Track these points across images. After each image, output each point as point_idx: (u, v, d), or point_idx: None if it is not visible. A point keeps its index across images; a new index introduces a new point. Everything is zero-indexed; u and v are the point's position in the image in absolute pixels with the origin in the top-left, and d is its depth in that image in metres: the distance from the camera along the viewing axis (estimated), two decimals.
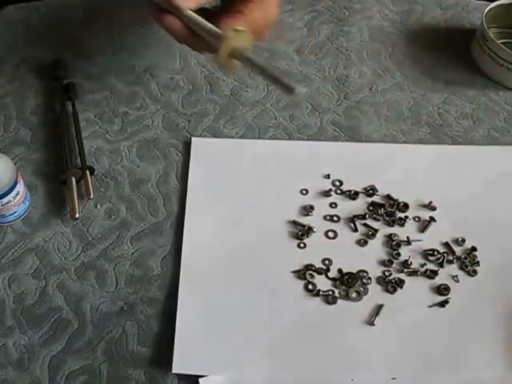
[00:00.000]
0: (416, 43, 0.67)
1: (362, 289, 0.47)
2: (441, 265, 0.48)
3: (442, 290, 0.47)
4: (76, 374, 0.43)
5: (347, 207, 0.52)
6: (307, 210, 0.51)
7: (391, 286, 0.47)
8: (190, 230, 0.50)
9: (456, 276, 0.48)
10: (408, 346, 0.44)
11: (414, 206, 0.52)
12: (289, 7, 0.70)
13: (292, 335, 0.45)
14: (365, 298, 0.46)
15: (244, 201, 0.52)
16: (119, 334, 0.45)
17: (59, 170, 0.54)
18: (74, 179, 0.52)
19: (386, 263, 0.48)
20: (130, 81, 0.62)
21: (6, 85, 0.62)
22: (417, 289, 0.47)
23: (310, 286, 0.47)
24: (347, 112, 0.60)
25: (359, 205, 0.52)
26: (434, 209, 0.51)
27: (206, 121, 0.59)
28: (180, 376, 0.43)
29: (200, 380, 0.42)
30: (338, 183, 0.53)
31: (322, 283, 0.47)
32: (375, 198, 0.52)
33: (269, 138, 0.57)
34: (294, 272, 0.48)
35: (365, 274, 0.48)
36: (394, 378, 0.42)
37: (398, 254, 0.49)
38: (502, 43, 0.61)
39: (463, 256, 0.49)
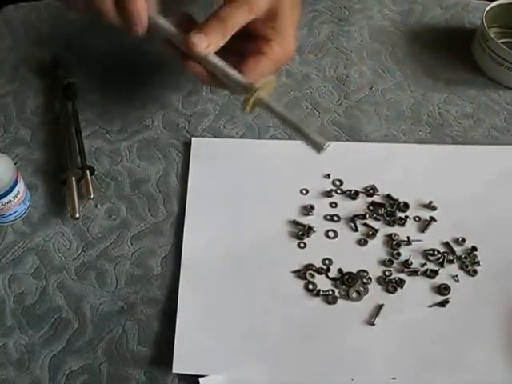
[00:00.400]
0: (416, 43, 0.67)
1: (362, 289, 0.47)
2: (441, 265, 0.48)
3: (443, 289, 0.47)
4: (76, 374, 0.43)
5: (347, 207, 0.52)
6: (307, 209, 0.51)
7: (391, 285, 0.47)
8: (190, 229, 0.50)
9: (456, 276, 0.48)
10: (408, 346, 0.44)
11: (415, 206, 0.52)
12: None
13: (292, 335, 0.45)
14: (365, 297, 0.46)
15: (244, 201, 0.52)
16: (119, 333, 0.45)
17: (59, 170, 0.54)
18: (74, 179, 0.52)
19: (386, 263, 0.48)
20: (130, 81, 0.62)
21: (5, 85, 0.62)
22: (417, 289, 0.47)
23: (310, 286, 0.47)
24: (347, 112, 0.60)
25: (359, 204, 0.52)
26: (434, 208, 0.51)
27: (206, 121, 0.59)
28: (180, 376, 0.43)
29: (200, 380, 0.42)
30: (338, 183, 0.53)
31: (322, 283, 0.47)
32: (375, 198, 0.52)
33: (269, 138, 0.57)
34: (294, 272, 0.48)
35: (365, 274, 0.48)
36: (394, 378, 0.42)
37: (399, 254, 0.49)
38: (502, 43, 0.61)
39: (463, 256, 0.48)
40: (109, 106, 0.60)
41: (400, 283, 0.47)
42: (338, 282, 0.47)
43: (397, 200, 0.52)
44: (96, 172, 0.54)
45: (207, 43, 0.45)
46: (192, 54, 0.46)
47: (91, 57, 0.65)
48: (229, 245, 0.49)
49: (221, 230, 0.50)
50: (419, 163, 0.55)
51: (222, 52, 0.46)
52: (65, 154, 0.55)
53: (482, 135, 0.58)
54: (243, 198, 0.52)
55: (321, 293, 0.46)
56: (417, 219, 0.51)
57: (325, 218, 0.51)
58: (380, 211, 0.51)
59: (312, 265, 0.48)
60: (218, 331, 0.45)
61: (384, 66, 0.64)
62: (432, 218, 0.51)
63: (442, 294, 0.47)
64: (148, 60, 0.64)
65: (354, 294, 0.47)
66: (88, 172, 0.53)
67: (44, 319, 0.46)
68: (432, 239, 0.50)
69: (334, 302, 0.46)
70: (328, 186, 0.53)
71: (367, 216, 0.51)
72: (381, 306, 0.46)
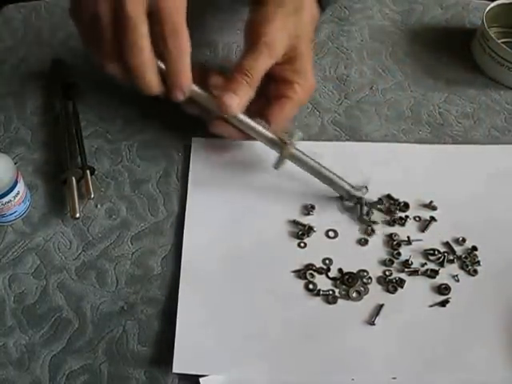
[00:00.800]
0: (416, 43, 0.67)
1: (362, 288, 0.47)
2: (441, 264, 0.48)
3: (443, 289, 0.47)
4: (76, 374, 0.43)
5: None
6: (308, 209, 0.51)
7: (392, 285, 0.47)
8: (191, 229, 0.50)
9: (456, 276, 0.48)
10: (409, 346, 0.44)
11: (415, 206, 0.52)
12: None
13: (292, 335, 0.45)
14: (365, 297, 0.46)
15: (244, 200, 0.52)
16: (120, 333, 0.45)
17: (59, 170, 0.54)
18: (74, 179, 0.52)
19: (386, 263, 0.48)
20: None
21: (5, 85, 0.62)
22: (417, 288, 0.47)
23: (311, 286, 0.47)
24: (348, 111, 0.60)
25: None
26: (434, 208, 0.51)
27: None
28: (180, 376, 0.43)
29: (200, 380, 0.42)
30: None
31: (323, 283, 0.47)
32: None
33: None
34: (294, 272, 0.48)
35: (365, 274, 0.48)
36: (394, 378, 0.42)
37: (399, 254, 0.49)
38: (502, 43, 0.61)
39: (464, 256, 0.48)
40: (109, 105, 0.60)
41: (400, 283, 0.47)
42: (339, 282, 0.47)
43: (397, 200, 0.52)
44: (96, 172, 0.54)
45: (238, 101, 0.47)
46: (225, 116, 0.48)
47: (91, 57, 0.65)
48: (229, 244, 0.49)
49: (221, 229, 0.50)
50: (419, 163, 0.55)
51: None
52: (65, 154, 0.55)
53: (482, 135, 0.58)
54: (243, 198, 0.52)
55: (321, 292, 0.46)
56: (417, 219, 0.51)
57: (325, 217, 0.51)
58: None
59: (312, 264, 0.48)
60: (219, 331, 0.45)
61: (384, 65, 0.64)
62: (432, 218, 0.51)
63: (443, 294, 0.46)
64: None
65: (355, 294, 0.47)
66: (88, 172, 0.53)
67: (44, 319, 0.46)
68: (432, 239, 0.50)
69: (335, 302, 0.46)
70: None
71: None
72: (381, 306, 0.46)
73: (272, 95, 0.50)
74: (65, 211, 0.52)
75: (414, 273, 0.48)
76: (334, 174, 0.48)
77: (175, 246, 0.50)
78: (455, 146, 0.56)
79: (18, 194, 0.49)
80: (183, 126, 0.58)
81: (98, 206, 0.52)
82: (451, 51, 0.65)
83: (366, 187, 0.48)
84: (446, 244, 0.49)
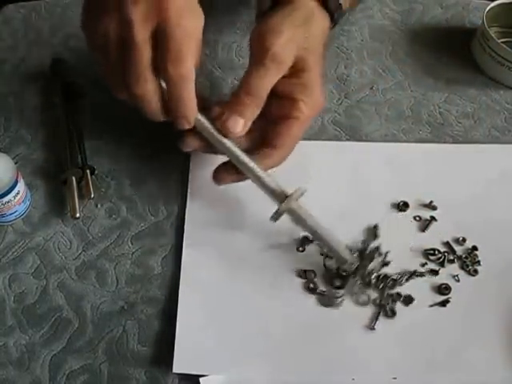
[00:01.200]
0: (417, 42, 0.67)
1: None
2: (442, 264, 0.48)
3: (443, 289, 0.46)
4: (77, 374, 0.43)
5: None
6: None
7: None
8: (191, 229, 0.50)
9: (457, 275, 0.47)
10: (409, 346, 0.44)
11: (415, 206, 0.52)
12: None
13: (293, 335, 0.45)
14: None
15: (244, 200, 0.52)
16: (120, 333, 0.45)
17: (60, 170, 0.54)
18: (74, 179, 0.52)
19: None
20: None
21: (6, 85, 0.62)
22: (417, 288, 0.47)
23: (311, 285, 0.47)
24: (348, 111, 0.60)
25: None
26: (434, 208, 0.51)
27: None
28: (181, 376, 0.43)
29: (201, 380, 0.42)
30: None
31: (323, 283, 0.47)
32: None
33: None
34: (294, 271, 0.48)
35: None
36: (394, 378, 0.42)
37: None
38: (502, 42, 0.61)
39: (464, 255, 0.48)
40: (109, 105, 0.60)
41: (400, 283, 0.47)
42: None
43: (397, 200, 0.52)
44: (96, 172, 0.54)
45: (243, 123, 0.44)
46: (224, 154, 0.45)
47: (91, 57, 0.65)
48: (229, 244, 0.49)
49: (221, 229, 0.50)
50: (419, 163, 0.55)
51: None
52: (65, 154, 0.55)
53: (482, 135, 0.58)
54: (244, 198, 0.52)
55: (320, 292, 0.46)
56: (417, 219, 0.51)
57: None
58: None
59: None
60: (219, 331, 0.45)
61: (384, 65, 0.64)
62: (432, 218, 0.51)
63: (443, 294, 0.46)
64: None
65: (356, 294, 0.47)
66: (88, 172, 0.53)
67: (44, 319, 0.46)
68: (432, 239, 0.49)
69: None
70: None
71: None
72: (379, 312, 0.45)
73: (276, 115, 0.46)
74: (65, 211, 0.52)
75: (414, 273, 0.48)
76: (330, 238, 0.45)
77: (175, 245, 0.50)
78: (455, 146, 0.56)
79: (18, 193, 0.49)
80: None
81: (98, 205, 0.52)
82: (451, 51, 0.65)
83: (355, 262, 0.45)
84: (447, 244, 0.49)
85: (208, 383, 0.42)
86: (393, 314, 0.45)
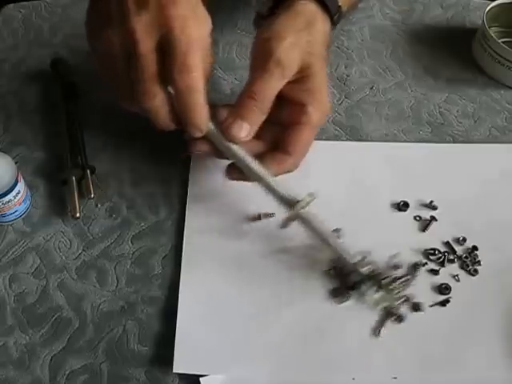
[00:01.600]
0: (417, 42, 0.67)
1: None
2: (442, 264, 0.48)
3: (443, 289, 0.46)
4: (77, 374, 0.43)
5: None
6: None
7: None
8: (191, 228, 0.50)
9: (457, 275, 0.47)
10: (409, 346, 0.44)
11: (415, 206, 0.52)
12: None
13: (293, 334, 0.45)
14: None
15: (245, 200, 0.52)
16: (120, 333, 0.45)
17: (60, 170, 0.54)
18: (74, 178, 0.52)
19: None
20: None
21: (6, 84, 0.62)
22: (418, 288, 0.47)
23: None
24: (348, 111, 0.60)
25: None
26: (434, 208, 0.51)
27: None
28: (181, 375, 0.43)
29: (201, 379, 0.42)
30: None
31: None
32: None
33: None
34: (294, 270, 0.48)
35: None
36: (395, 378, 0.42)
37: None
38: (502, 42, 0.61)
39: (464, 255, 0.48)
40: (109, 104, 0.60)
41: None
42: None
43: (397, 200, 0.52)
44: (97, 171, 0.54)
45: (248, 129, 0.44)
46: (232, 159, 0.46)
47: (91, 57, 0.65)
48: (229, 244, 0.49)
49: (221, 228, 0.50)
50: (420, 162, 0.55)
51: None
52: (65, 154, 0.55)
53: (482, 135, 0.58)
54: (244, 197, 0.52)
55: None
56: (417, 218, 0.51)
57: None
58: None
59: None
60: (219, 331, 0.45)
61: (385, 65, 0.64)
62: (433, 218, 0.51)
63: (443, 294, 0.46)
64: None
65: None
66: (88, 171, 0.53)
67: (44, 319, 0.46)
68: (432, 239, 0.49)
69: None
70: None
71: None
72: (386, 318, 0.45)
73: (285, 121, 0.46)
74: (65, 211, 0.52)
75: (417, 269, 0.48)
76: (339, 246, 0.45)
77: (176, 245, 0.50)
78: (455, 146, 0.56)
79: (18, 193, 0.49)
80: None
81: (99, 205, 0.52)
82: (451, 51, 0.65)
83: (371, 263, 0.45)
84: (447, 244, 0.49)
85: (208, 383, 0.42)
86: (400, 320, 0.45)
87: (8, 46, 0.66)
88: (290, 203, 0.44)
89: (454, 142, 0.57)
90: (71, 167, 0.53)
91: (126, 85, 0.42)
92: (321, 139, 0.57)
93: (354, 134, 0.58)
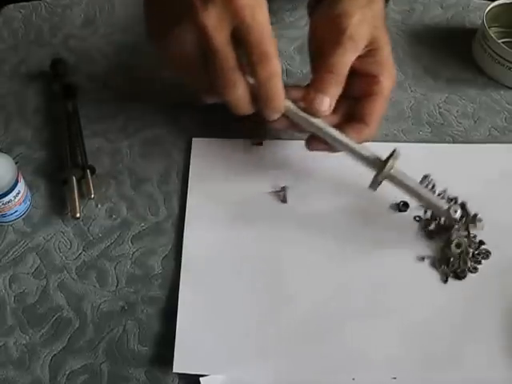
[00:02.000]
0: (417, 42, 0.67)
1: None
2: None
3: None
4: (77, 374, 0.43)
5: None
6: None
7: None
8: (191, 229, 0.50)
9: None
10: (409, 345, 0.44)
11: (415, 206, 0.51)
12: (290, 6, 0.70)
13: (293, 334, 0.45)
14: None
15: (244, 200, 0.52)
16: (120, 333, 0.45)
17: (60, 170, 0.54)
18: (74, 178, 0.52)
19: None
20: (130, 80, 0.62)
21: (6, 84, 0.62)
22: (418, 288, 0.47)
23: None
24: None
25: None
26: None
27: (207, 120, 0.59)
28: (181, 375, 0.43)
29: (201, 379, 0.42)
30: None
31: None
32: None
33: (269, 138, 0.57)
34: (294, 270, 0.48)
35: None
36: (394, 378, 0.42)
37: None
38: (502, 42, 0.61)
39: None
40: (109, 105, 0.60)
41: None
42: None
43: (397, 200, 0.52)
44: (97, 171, 0.54)
45: (328, 101, 0.45)
46: (314, 133, 0.47)
47: (91, 57, 0.65)
48: (229, 244, 0.49)
49: (221, 229, 0.50)
50: (420, 162, 0.54)
51: None
52: (65, 154, 0.55)
53: (482, 135, 0.58)
54: (243, 198, 0.52)
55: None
56: (417, 219, 0.51)
57: None
58: None
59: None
60: (219, 330, 0.45)
61: None
62: (433, 218, 0.51)
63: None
64: (148, 60, 0.64)
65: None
66: (89, 171, 0.53)
67: (44, 319, 0.46)
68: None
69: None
70: None
71: None
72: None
73: (359, 93, 0.48)
74: (65, 211, 0.52)
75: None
76: (431, 196, 0.47)
77: (175, 245, 0.50)
78: (455, 146, 0.56)
79: (18, 193, 0.49)
80: (183, 126, 0.58)
81: (99, 205, 0.52)
82: (451, 51, 0.65)
83: (461, 206, 0.48)
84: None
85: (208, 383, 0.42)
86: (463, 276, 0.47)
87: (8, 46, 0.66)
88: (378, 165, 0.47)
89: (453, 142, 0.57)
90: (71, 167, 0.54)
91: (204, 79, 0.43)
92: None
93: None
